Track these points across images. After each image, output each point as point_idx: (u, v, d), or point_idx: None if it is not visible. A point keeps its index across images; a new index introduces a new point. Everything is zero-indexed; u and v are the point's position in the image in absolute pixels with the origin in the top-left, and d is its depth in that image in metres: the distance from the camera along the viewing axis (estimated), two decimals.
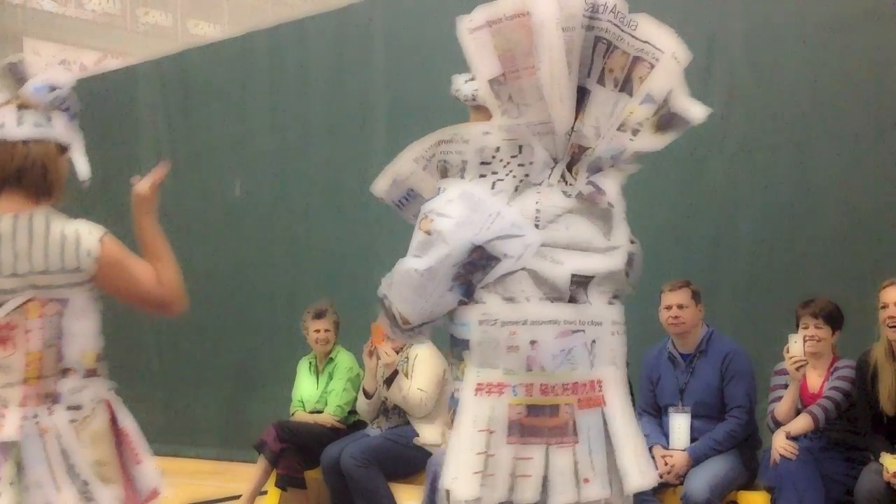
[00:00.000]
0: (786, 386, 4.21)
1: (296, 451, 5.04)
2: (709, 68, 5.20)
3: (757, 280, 4.98)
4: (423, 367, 5.00)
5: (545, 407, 1.92)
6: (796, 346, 4.09)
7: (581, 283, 1.96)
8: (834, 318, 4.20)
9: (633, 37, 1.90)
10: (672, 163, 4.78)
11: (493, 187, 1.98)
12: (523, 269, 1.97)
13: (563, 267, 1.96)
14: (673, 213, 5.21)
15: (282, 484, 5.04)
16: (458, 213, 2.00)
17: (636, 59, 1.91)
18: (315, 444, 5.01)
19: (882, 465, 3.76)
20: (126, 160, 8.40)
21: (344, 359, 5.47)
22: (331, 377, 5.43)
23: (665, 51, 1.94)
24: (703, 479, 4.02)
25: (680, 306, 4.33)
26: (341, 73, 7.12)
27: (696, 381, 4.33)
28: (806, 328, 4.17)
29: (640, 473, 1.95)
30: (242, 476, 5.21)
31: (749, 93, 5.22)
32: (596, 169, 1.96)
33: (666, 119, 1.99)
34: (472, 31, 1.93)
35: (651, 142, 2.01)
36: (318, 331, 5.44)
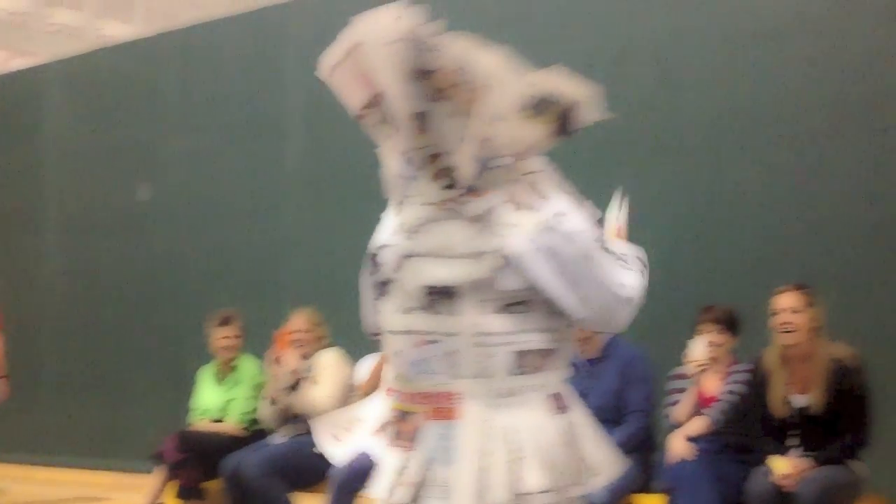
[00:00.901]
0: (683, 390, 4.29)
1: (196, 461, 4.96)
2: (618, 76, 5.27)
3: (660, 284, 5.04)
4: (329, 374, 4.97)
5: (407, 413, 2.01)
6: (698, 350, 4.17)
7: (443, 293, 1.94)
8: (732, 324, 4.31)
9: (446, 56, 1.86)
10: (580, 167, 4.82)
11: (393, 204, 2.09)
12: (394, 279, 2.02)
13: (420, 277, 1.97)
14: None
15: (183, 495, 4.95)
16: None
17: (459, 81, 1.88)
18: (216, 454, 4.92)
19: (771, 467, 3.86)
20: (32, 161, 8.21)
21: (248, 366, 5.40)
22: (234, 385, 5.36)
23: (481, 71, 1.88)
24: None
25: None
26: (256, 75, 7.06)
27: (598, 386, 4.38)
28: (706, 334, 4.25)
29: (480, 491, 1.88)
30: (144, 487, 5.12)
31: (658, 100, 5.31)
32: (481, 170, 1.93)
33: (561, 119, 1.94)
34: (331, 72, 1.93)
35: (538, 143, 1.95)
36: (223, 338, 5.37)
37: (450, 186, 1.94)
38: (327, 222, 6.51)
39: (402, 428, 2.01)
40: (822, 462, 3.84)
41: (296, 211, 6.77)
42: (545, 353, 1.99)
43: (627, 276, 2.00)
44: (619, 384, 4.37)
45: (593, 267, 1.95)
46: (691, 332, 4.30)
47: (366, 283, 2.13)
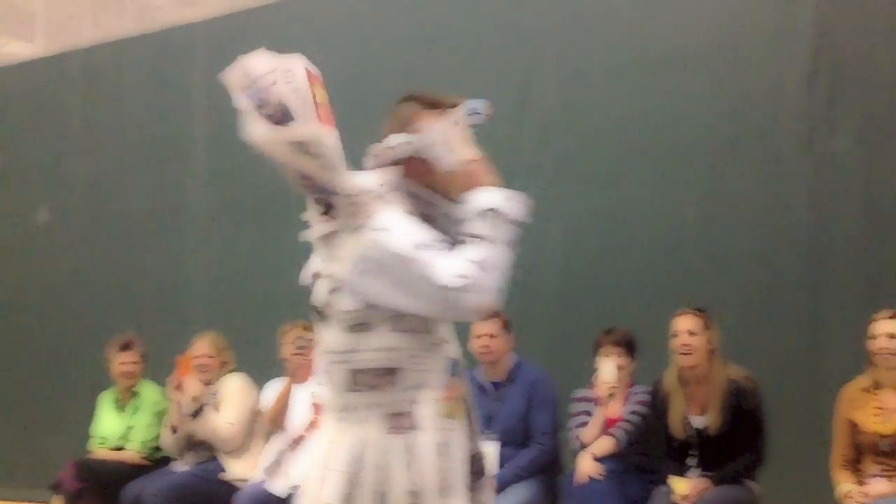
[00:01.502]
0: (587, 412, 4.35)
1: (96, 490, 4.83)
2: (522, 109, 5.36)
3: (560, 307, 5.14)
4: (233, 400, 4.89)
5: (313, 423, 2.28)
6: (608, 372, 4.23)
7: (318, 310, 2.11)
8: (631, 347, 4.39)
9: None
10: None
11: None
12: None
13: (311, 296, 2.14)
14: None
15: None
16: None
17: None
18: (117, 483, 4.81)
19: (671, 487, 3.94)
20: None
21: (150, 392, 5.28)
22: (135, 412, 5.23)
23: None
24: None
25: (491, 335, 4.41)
26: (160, 96, 6.94)
27: (504, 409, 4.41)
28: (612, 356, 4.32)
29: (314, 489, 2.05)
30: None
31: (560, 127, 5.41)
32: (327, 196, 2.07)
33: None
34: None
35: (317, 172, 2.08)
36: (123, 363, 5.24)
37: (325, 212, 2.07)
38: (231, 246, 6.42)
39: (308, 436, 2.23)
40: (719, 482, 3.93)
41: (199, 234, 6.66)
42: (385, 373, 2.04)
43: (459, 262, 1.99)
44: (524, 407, 4.40)
45: (415, 269, 1.98)
46: (590, 354, 4.37)
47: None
